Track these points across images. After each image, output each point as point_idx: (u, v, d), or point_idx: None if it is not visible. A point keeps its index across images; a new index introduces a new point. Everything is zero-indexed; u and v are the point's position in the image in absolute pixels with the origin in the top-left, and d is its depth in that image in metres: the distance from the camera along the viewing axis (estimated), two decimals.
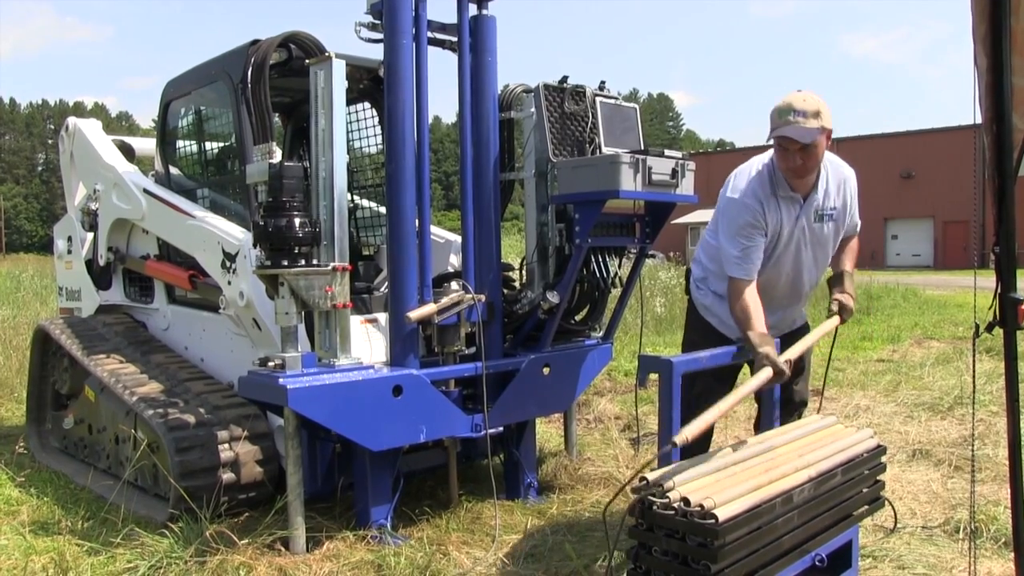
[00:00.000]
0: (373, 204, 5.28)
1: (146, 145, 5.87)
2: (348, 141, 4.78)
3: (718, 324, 3.64)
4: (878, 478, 3.07)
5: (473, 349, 3.99)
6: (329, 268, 3.45)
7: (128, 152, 5.54)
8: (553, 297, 3.90)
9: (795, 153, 3.09)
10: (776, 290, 3.48)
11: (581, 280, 4.08)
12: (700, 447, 3.04)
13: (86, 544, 3.55)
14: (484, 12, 3.88)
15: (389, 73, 3.61)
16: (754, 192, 3.24)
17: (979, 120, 2.40)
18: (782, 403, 3.50)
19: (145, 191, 4.80)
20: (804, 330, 3.68)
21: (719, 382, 3.49)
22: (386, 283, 4.05)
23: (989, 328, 2.45)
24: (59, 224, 6.03)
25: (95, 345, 4.84)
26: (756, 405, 3.78)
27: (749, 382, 2.91)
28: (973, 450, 3.68)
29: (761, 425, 3.44)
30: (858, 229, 3.62)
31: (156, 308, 5.09)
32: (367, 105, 5.02)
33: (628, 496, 2.43)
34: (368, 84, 4.70)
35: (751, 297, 3.17)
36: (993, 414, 5.75)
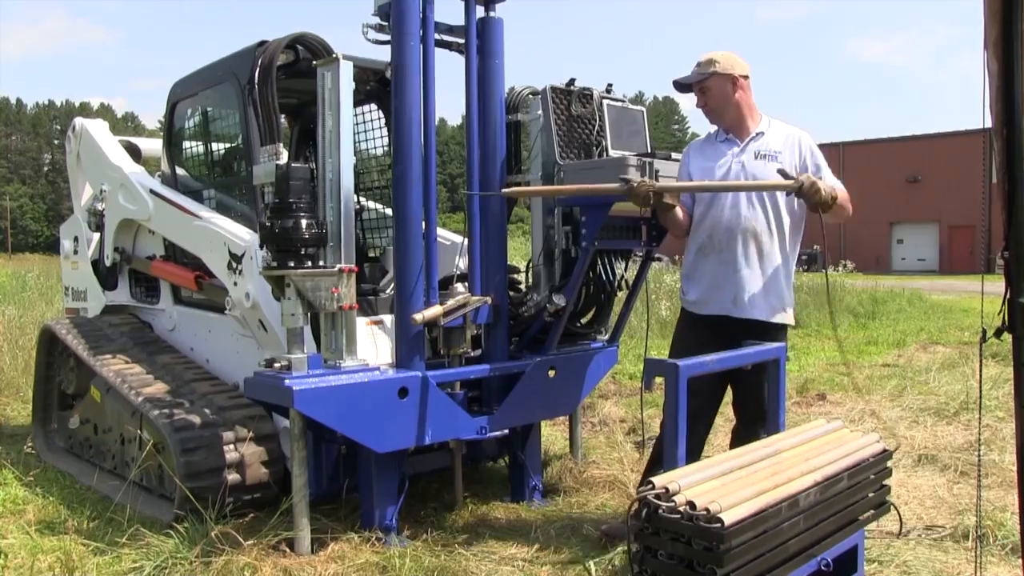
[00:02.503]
0: (379, 206, 5.29)
1: (152, 146, 5.89)
2: (355, 143, 4.79)
3: (691, 303, 3.65)
4: (884, 483, 3.06)
5: (479, 351, 3.99)
6: (335, 269, 3.45)
7: (135, 153, 5.55)
8: (559, 300, 3.89)
9: (697, 95, 3.63)
10: (719, 231, 3.50)
11: (587, 283, 4.08)
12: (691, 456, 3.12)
13: (92, 544, 3.55)
14: (491, 14, 3.88)
15: (396, 75, 3.61)
16: (690, 145, 3.81)
17: (989, 124, 2.40)
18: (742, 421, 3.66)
19: (151, 192, 4.81)
20: (763, 330, 3.47)
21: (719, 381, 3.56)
22: (392, 285, 4.05)
23: (998, 333, 2.43)
24: (65, 224, 6.04)
25: (101, 345, 4.85)
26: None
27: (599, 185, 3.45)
28: (980, 455, 3.67)
29: (767, 428, 3.43)
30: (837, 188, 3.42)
31: (162, 309, 5.10)
32: (374, 107, 5.03)
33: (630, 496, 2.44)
34: (375, 86, 4.71)
35: None
36: (999, 419, 5.73)
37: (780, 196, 3.49)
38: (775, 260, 3.52)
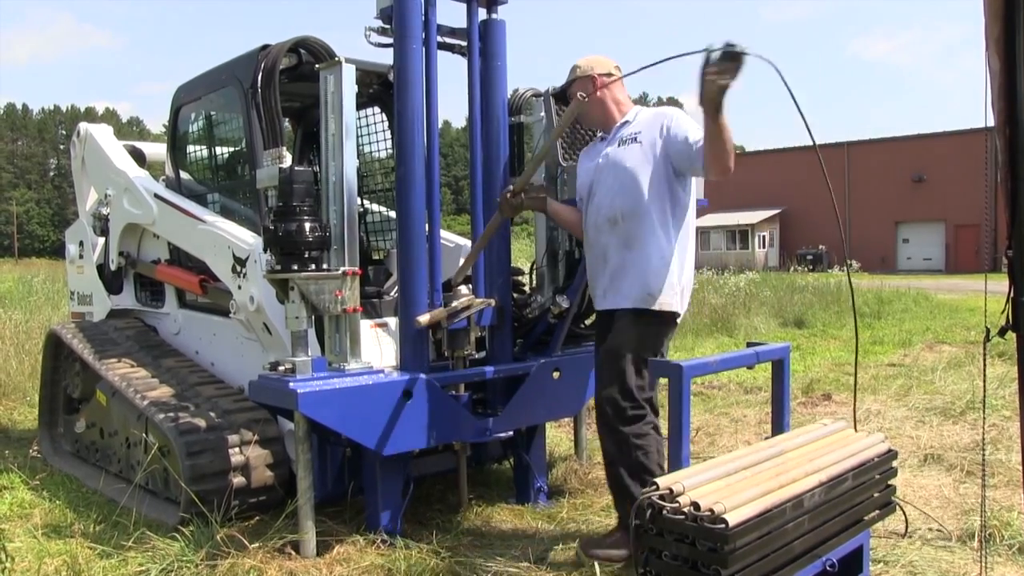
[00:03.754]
0: (383, 208, 5.30)
1: (157, 150, 5.90)
2: (358, 146, 4.80)
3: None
4: (889, 483, 3.05)
5: (483, 353, 3.99)
6: (339, 272, 3.46)
7: (139, 157, 5.57)
8: (563, 301, 3.90)
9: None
10: (589, 226, 3.55)
11: None
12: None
13: (98, 547, 3.57)
14: (494, 16, 3.88)
15: (399, 77, 3.62)
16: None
17: (992, 123, 2.39)
18: None
19: (156, 196, 4.83)
20: (628, 320, 3.35)
21: None
22: (396, 287, 4.05)
23: (1001, 332, 2.43)
24: (71, 229, 6.06)
25: (106, 349, 4.86)
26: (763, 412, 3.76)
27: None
28: (984, 455, 3.65)
29: (772, 428, 3.42)
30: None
31: (167, 312, 5.12)
32: (377, 110, 5.04)
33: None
34: (378, 89, 4.72)
35: None
36: (1006, 419, 5.71)
37: (647, 178, 3.32)
38: (645, 246, 3.33)
